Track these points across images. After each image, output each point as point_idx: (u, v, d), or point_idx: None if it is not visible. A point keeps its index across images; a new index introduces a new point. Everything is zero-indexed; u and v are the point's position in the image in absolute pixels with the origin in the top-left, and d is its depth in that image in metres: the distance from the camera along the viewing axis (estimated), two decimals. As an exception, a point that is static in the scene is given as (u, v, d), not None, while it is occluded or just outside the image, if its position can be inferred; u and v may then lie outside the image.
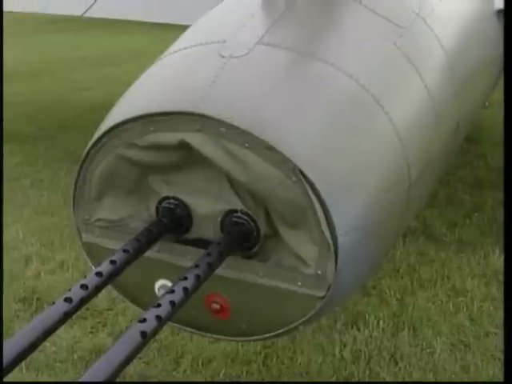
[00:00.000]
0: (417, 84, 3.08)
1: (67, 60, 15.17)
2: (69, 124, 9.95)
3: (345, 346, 4.48)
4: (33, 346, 1.96)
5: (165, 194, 2.65)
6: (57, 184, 7.45)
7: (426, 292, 5.14)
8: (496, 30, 4.93)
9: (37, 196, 7.28)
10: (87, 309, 4.71)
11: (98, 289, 2.28)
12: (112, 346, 1.93)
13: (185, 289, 2.19)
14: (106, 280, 2.31)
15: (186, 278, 2.24)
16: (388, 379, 4.21)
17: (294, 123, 2.46)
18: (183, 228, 2.65)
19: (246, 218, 2.51)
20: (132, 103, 2.76)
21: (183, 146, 2.48)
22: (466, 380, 4.23)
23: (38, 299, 5.10)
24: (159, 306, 2.09)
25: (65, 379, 4.19)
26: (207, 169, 2.52)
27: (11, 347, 1.90)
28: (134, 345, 1.94)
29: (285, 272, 2.51)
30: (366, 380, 4.21)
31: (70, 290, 2.19)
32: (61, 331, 2.15)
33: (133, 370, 4.18)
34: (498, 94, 7.88)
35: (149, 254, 2.58)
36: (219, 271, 2.47)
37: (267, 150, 2.35)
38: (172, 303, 2.12)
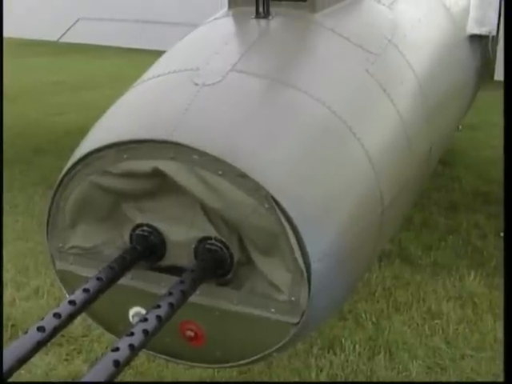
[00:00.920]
0: (389, 110, 3.11)
1: (44, 84, 15.13)
2: (45, 148, 9.90)
3: (321, 371, 4.49)
4: (7, 374, 1.95)
5: (138, 221, 2.65)
6: (32, 209, 7.39)
7: (401, 315, 5.16)
8: (468, 54, 5.00)
9: (12, 221, 7.23)
10: (62, 335, 4.68)
11: (72, 317, 2.27)
12: (85, 375, 1.93)
13: (158, 317, 2.19)
14: (79, 308, 2.30)
15: (159, 306, 2.23)
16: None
17: (266, 151, 2.48)
18: (157, 255, 2.65)
19: (219, 245, 2.52)
20: (106, 131, 2.77)
21: (157, 173, 2.49)
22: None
23: (12, 326, 5.05)
24: (132, 334, 2.09)
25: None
26: (181, 196, 2.52)
27: (-16, 376, 1.89)
28: (107, 374, 1.93)
29: (258, 299, 2.51)
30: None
31: (42, 318, 2.18)
32: (35, 358, 2.14)
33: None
34: (471, 117, 8.01)
35: (122, 281, 2.57)
36: (193, 298, 2.47)
37: (240, 178, 2.37)
38: (145, 332, 2.12)
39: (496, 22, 5.27)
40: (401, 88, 3.36)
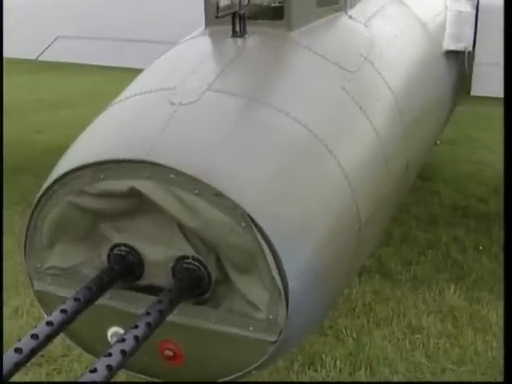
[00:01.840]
0: (365, 127, 3.13)
1: (23, 102, 15.06)
2: (24, 167, 9.85)
3: (302, 387, 4.48)
4: None
5: (116, 240, 2.65)
6: (11, 228, 7.33)
7: (382, 330, 5.16)
8: (445, 70, 5.04)
9: (-9, 240, 7.18)
10: (42, 355, 4.64)
11: (49, 338, 2.27)
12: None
13: (136, 337, 2.19)
14: (56, 329, 2.30)
15: (136, 327, 2.24)
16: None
17: (243, 170, 2.49)
18: (135, 275, 2.65)
19: (197, 264, 2.52)
20: (83, 151, 2.77)
21: (134, 193, 2.49)
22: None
23: (-9, 346, 5.01)
24: (110, 355, 2.09)
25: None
26: (158, 215, 2.53)
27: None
28: (85, 396, 1.93)
29: (236, 317, 2.52)
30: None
31: (20, 340, 2.17)
32: (15, 378, 2.13)
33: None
34: (450, 132, 8.07)
35: (100, 301, 2.57)
36: (171, 318, 2.47)
37: (216, 197, 2.37)
38: (123, 352, 2.11)
39: (472, 37, 5.34)
40: (377, 105, 3.39)
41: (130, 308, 2.62)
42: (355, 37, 3.84)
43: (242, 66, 3.11)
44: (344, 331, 5.09)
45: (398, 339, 5.06)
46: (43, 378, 4.63)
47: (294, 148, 2.72)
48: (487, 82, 5.29)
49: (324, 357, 4.76)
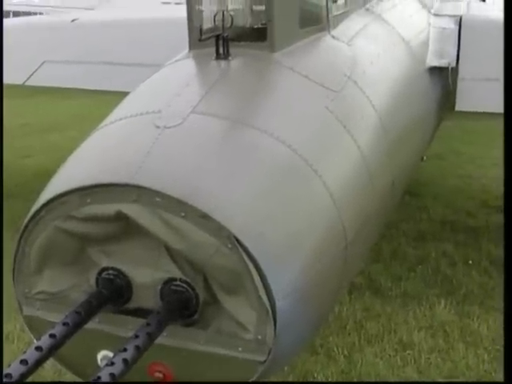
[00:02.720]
0: (349, 146, 3.15)
1: (11, 127, 15.06)
2: (13, 192, 9.84)
3: (295, 406, 4.48)
4: None
5: (104, 264, 2.66)
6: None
7: (373, 347, 5.16)
8: (429, 87, 5.08)
9: (-19, 266, 7.16)
10: (32, 381, 4.61)
11: (39, 363, 2.27)
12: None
13: (124, 360, 2.20)
14: (46, 354, 2.30)
15: (125, 350, 2.24)
16: None
17: (228, 191, 2.51)
18: (123, 298, 2.66)
19: (185, 285, 2.53)
20: (69, 176, 2.79)
21: (120, 216, 2.51)
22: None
23: (-18, 372, 4.98)
24: (99, 378, 2.10)
25: None
26: (145, 238, 2.54)
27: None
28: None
29: (225, 338, 2.53)
30: None
31: (9, 365, 2.18)
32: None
33: None
34: (437, 147, 8.11)
35: (90, 325, 2.57)
36: (160, 340, 2.48)
37: (202, 219, 2.39)
38: (112, 375, 2.12)
39: (455, 53, 5.38)
40: (361, 123, 3.42)
41: (119, 331, 2.63)
42: (338, 56, 3.87)
43: (225, 88, 3.14)
44: (335, 349, 5.08)
45: (390, 356, 5.06)
46: (35, 404, 4.60)
47: (279, 168, 2.75)
48: (471, 96, 5.33)
49: (316, 375, 4.76)
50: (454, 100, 5.44)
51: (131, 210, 2.48)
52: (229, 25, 3.37)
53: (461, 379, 4.43)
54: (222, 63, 3.35)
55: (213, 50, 3.35)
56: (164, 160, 2.58)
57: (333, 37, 4.01)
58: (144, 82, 3.53)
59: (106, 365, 2.17)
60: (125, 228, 2.56)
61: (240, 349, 2.51)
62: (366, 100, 3.56)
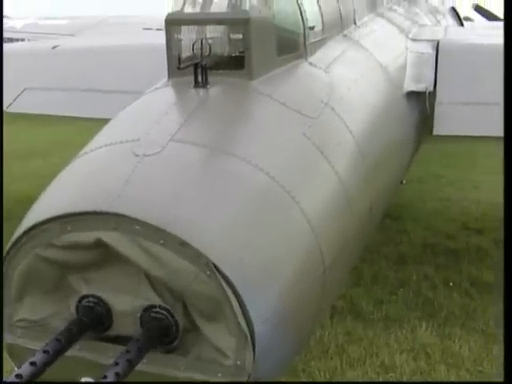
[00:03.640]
0: (327, 172, 3.19)
1: (-8, 153, 15.04)
2: (-6, 218, 9.83)
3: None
4: None
5: (84, 292, 2.68)
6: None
7: (355, 371, 5.16)
8: (406, 111, 5.14)
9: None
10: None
11: (19, 391, 2.27)
12: None
13: (105, 387, 2.21)
14: (26, 382, 2.30)
15: (105, 377, 2.26)
16: None
17: (206, 218, 2.54)
18: (104, 325, 2.67)
19: (164, 313, 2.55)
20: (50, 203, 2.81)
21: (100, 244, 2.53)
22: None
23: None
24: (80, 406, 2.11)
25: None
26: (125, 266, 2.56)
27: None
28: None
29: (205, 364, 2.55)
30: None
31: None
32: None
33: None
34: (416, 170, 8.15)
35: (70, 352, 2.58)
36: (141, 367, 2.49)
37: (181, 246, 2.42)
38: (92, 403, 2.13)
39: (433, 78, 5.44)
40: (338, 149, 3.45)
41: (100, 358, 2.64)
42: (316, 83, 3.92)
43: (204, 116, 3.18)
44: (317, 373, 5.08)
45: (372, 379, 5.07)
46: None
47: (257, 195, 2.78)
48: (449, 120, 5.37)
49: (298, 400, 4.76)
50: (432, 124, 5.50)
51: (111, 237, 2.50)
52: (207, 53, 3.41)
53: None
54: (201, 91, 3.39)
55: (192, 78, 3.39)
56: (143, 188, 2.61)
57: (310, 64, 4.06)
58: (124, 109, 3.56)
59: (86, 393, 2.19)
60: (105, 256, 2.58)
61: (220, 375, 2.52)
62: (343, 126, 3.60)
